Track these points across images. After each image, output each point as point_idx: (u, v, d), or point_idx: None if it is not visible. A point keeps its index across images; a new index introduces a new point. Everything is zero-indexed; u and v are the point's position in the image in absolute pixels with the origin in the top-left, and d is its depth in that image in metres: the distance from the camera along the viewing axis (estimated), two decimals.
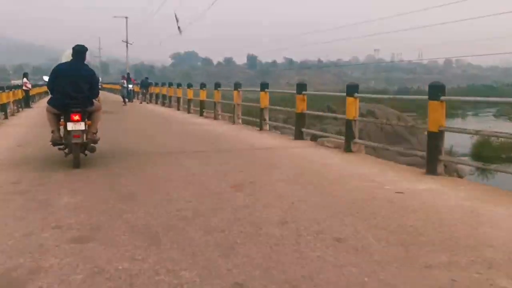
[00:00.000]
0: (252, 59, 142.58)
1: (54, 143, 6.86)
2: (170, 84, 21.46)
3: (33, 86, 37.65)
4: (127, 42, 47.63)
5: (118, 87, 36.51)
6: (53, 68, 7.00)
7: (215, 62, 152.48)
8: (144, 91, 23.98)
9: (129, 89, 22.09)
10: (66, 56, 7.14)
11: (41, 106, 16.94)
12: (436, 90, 6.16)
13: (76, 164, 6.46)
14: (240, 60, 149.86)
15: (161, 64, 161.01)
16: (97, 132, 7.14)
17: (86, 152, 6.87)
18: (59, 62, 7.26)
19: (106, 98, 23.54)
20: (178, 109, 17.04)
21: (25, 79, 20.33)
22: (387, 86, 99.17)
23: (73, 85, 6.58)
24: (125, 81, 21.88)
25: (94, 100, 6.94)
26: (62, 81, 6.65)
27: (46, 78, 9.56)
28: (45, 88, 38.41)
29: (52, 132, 6.85)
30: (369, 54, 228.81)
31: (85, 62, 7.05)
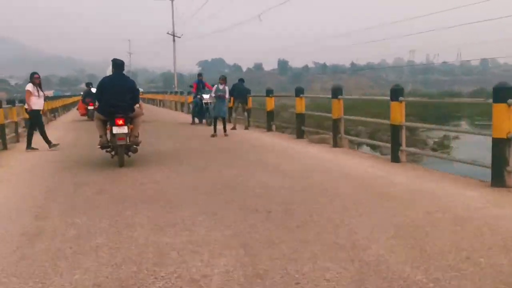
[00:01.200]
0: (282, 64, 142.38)
1: (102, 146, 8.01)
2: (269, 93, 13.42)
3: (57, 96, 36.75)
4: (173, 35, 42.00)
5: (169, 97, 30.98)
6: (99, 81, 8.30)
7: (244, 69, 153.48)
8: (240, 104, 14.50)
9: (204, 101, 14.74)
10: (109, 70, 8.54)
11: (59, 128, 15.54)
12: (504, 92, 5.71)
13: (121, 163, 7.65)
14: (270, 66, 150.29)
15: (188, 72, 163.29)
16: (138, 135, 8.14)
17: (130, 153, 8.01)
18: (104, 76, 8.83)
19: (155, 115, 19.56)
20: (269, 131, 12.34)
21: (30, 86, 10.42)
22: (424, 88, 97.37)
23: (117, 95, 7.73)
24: (195, 90, 15.56)
25: (135, 107, 8.07)
26: (107, 92, 7.82)
27: (94, 90, 11.96)
28: (73, 99, 40.41)
29: (100, 136, 7.99)
30: (398, 57, 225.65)
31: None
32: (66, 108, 33.57)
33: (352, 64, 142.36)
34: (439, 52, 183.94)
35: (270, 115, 13.05)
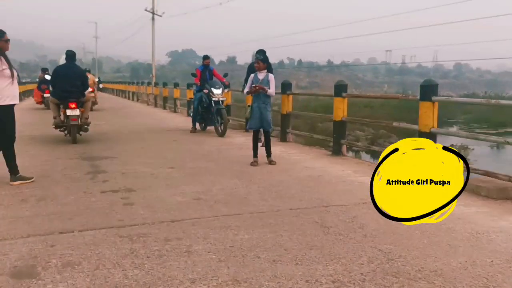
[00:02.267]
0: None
1: (57, 126, 9.41)
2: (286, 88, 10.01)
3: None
4: (153, 13, 35.60)
5: (146, 90, 26.01)
6: (53, 69, 9.79)
7: (217, 61, 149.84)
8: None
9: (214, 98, 10.44)
10: (62, 60, 10.24)
11: None
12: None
13: (74, 141, 9.03)
14: (244, 59, 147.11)
15: (157, 63, 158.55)
16: (88, 117, 9.63)
17: (81, 132, 9.50)
18: (57, 65, 10.60)
19: (132, 114, 17.05)
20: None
21: None
22: (399, 90, 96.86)
23: (69, 82, 9.02)
24: (198, 80, 10.93)
25: (85, 93, 9.35)
26: (60, 79, 9.09)
27: (48, 77, 12.65)
28: (32, 86, 37.70)
29: (54, 118, 9.37)
30: (372, 57, 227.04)
31: (77, 59, 10.08)
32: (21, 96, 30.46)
33: (329, 61, 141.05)
34: (415, 54, 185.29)
35: (286, 120, 9.88)
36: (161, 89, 21.81)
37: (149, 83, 29.22)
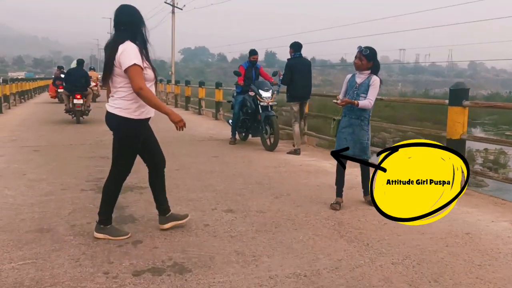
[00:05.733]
0: (270, 56, 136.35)
1: (67, 111, 12.95)
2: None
3: (28, 79, 34.65)
4: (173, 5, 32.67)
5: (160, 87, 24.97)
6: (67, 70, 14.85)
7: (229, 59, 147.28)
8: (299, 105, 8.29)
9: (262, 103, 8.26)
10: (73, 64, 14.97)
11: None
12: None
13: (78, 121, 12.58)
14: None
15: (170, 59, 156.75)
16: (90, 105, 13.31)
17: (83, 116, 12.99)
18: (70, 67, 15.22)
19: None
20: None
21: None
22: (414, 89, 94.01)
23: (77, 80, 12.88)
24: (242, 80, 8.79)
25: (88, 88, 13.18)
26: (71, 78, 13.11)
27: (62, 75, 16.46)
28: (44, 82, 36.80)
29: (65, 105, 13.01)
30: (385, 55, 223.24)
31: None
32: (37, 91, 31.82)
33: (342, 59, 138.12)
34: (429, 53, 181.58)
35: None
36: (183, 87, 19.49)
37: (168, 81, 26.94)
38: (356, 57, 4.73)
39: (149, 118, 3.60)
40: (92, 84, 15.40)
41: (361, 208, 4.58)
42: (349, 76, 4.89)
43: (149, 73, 3.49)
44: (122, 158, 3.59)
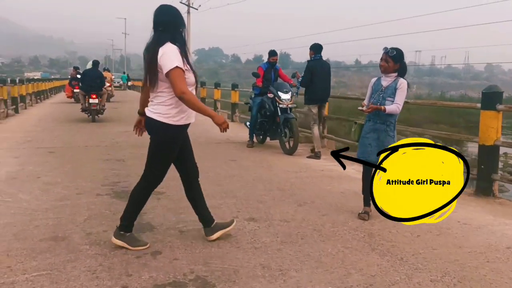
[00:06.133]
0: (284, 57, 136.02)
1: (83, 109, 13.40)
2: None
3: (44, 79, 34.94)
4: (188, 5, 32.64)
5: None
6: (83, 71, 15.56)
7: (243, 60, 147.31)
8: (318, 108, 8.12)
9: (281, 105, 8.03)
10: (89, 65, 15.32)
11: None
12: None
13: (93, 120, 12.97)
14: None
15: None
16: (104, 105, 13.82)
17: (99, 115, 13.38)
18: (86, 68, 15.74)
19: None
20: None
21: None
22: (429, 91, 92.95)
23: (92, 80, 13.32)
24: (260, 81, 8.49)
25: (103, 88, 13.70)
26: (86, 78, 13.58)
27: (79, 76, 17.06)
28: (60, 83, 37.06)
29: (81, 104, 13.53)
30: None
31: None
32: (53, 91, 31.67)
33: (356, 61, 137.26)
34: (445, 55, 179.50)
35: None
36: (199, 88, 19.36)
37: None
38: (381, 59, 4.48)
39: (188, 124, 3.42)
40: (106, 84, 15.60)
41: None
42: (374, 79, 4.64)
43: (190, 76, 3.31)
44: (158, 163, 3.41)
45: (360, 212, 4.34)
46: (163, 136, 3.33)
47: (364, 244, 3.63)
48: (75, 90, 20.10)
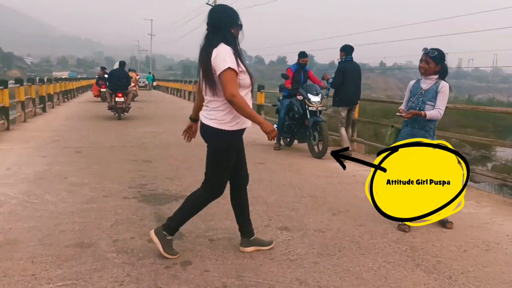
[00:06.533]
0: (308, 59, 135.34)
1: (109, 108, 14.04)
2: None
3: (72, 78, 35.47)
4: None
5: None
6: (110, 71, 15.46)
7: (267, 61, 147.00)
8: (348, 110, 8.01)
9: (310, 108, 7.82)
10: (116, 65, 15.42)
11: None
12: None
13: (119, 118, 13.50)
14: (294, 60, 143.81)
15: None
16: (130, 103, 14.59)
17: (124, 113, 14.02)
18: (113, 68, 15.85)
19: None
20: None
21: None
22: (456, 94, 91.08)
23: (119, 80, 13.79)
24: (290, 83, 8.36)
25: (128, 87, 14.17)
26: (113, 78, 13.98)
27: (106, 76, 17.70)
28: (87, 82, 37.59)
29: (108, 103, 14.14)
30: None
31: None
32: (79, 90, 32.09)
33: (381, 63, 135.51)
34: (473, 57, 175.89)
35: None
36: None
37: None
38: (421, 60, 4.22)
39: (244, 129, 3.22)
40: (131, 84, 15.71)
41: (433, 230, 4.05)
42: (412, 82, 4.39)
43: (245, 78, 3.11)
44: (216, 171, 3.22)
45: (400, 223, 4.07)
46: (219, 143, 3.14)
47: (407, 259, 3.37)
48: (101, 90, 20.51)
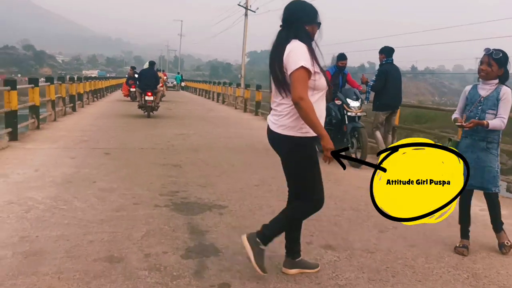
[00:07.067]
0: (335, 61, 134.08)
1: (139, 106, 14.40)
2: None
3: (101, 77, 35.67)
4: (246, 8, 31.68)
5: (229, 90, 24.44)
6: (140, 71, 16.22)
7: None
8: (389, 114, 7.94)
9: (349, 113, 7.44)
10: (146, 65, 15.96)
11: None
12: None
13: (148, 116, 13.97)
14: (323, 62, 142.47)
15: (236, 62, 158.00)
16: (159, 102, 14.80)
17: (153, 111, 14.38)
18: (143, 68, 16.61)
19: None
20: None
21: None
22: None
23: (148, 80, 14.17)
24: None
25: (157, 87, 14.39)
26: (143, 78, 14.42)
27: (136, 75, 18.40)
28: (116, 81, 37.80)
29: (138, 101, 14.54)
30: (458, 64, 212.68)
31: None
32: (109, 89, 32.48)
33: (412, 67, 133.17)
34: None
35: None
36: (253, 92, 18.87)
37: (238, 85, 26.42)
38: (483, 62, 3.77)
39: (315, 137, 2.90)
40: (159, 84, 15.85)
41: (494, 254, 3.67)
42: (468, 87, 3.96)
43: (320, 80, 2.81)
44: (307, 183, 2.95)
45: (458, 245, 3.70)
46: (298, 153, 2.83)
47: None
48: (131, 89, 21.25)
